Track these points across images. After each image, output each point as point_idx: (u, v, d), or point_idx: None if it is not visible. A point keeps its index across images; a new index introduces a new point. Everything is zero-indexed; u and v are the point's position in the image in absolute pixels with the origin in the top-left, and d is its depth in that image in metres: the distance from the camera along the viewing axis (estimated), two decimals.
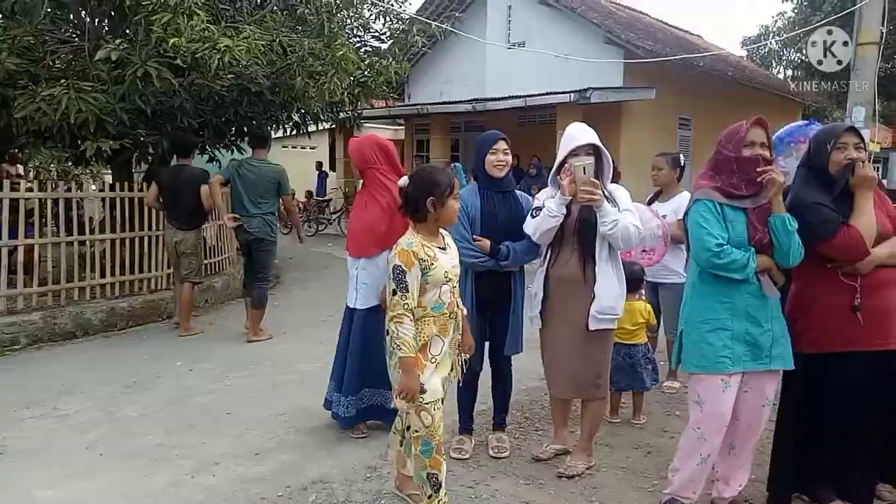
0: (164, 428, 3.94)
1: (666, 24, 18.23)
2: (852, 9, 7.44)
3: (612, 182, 3.31)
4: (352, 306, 3.75)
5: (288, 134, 9.91)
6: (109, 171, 8.99)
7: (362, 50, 10.15)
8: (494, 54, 13.83)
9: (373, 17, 9.89)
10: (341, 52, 6.56)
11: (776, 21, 21.18)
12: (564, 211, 3.12)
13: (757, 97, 15.89)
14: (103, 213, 6.83)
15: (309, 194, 17.64)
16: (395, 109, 14.94)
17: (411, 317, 2.55)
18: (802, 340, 2.74)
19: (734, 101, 15.14)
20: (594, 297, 3.12)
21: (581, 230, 3.15)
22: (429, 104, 14.10)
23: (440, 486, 2.68)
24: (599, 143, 3.18)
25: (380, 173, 3.73)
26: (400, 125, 18.03)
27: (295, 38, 6.69)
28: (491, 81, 13.93)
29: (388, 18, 9.87)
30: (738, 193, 2.67)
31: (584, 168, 3.02)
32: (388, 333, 2.62)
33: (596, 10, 13.79)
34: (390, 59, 9.00)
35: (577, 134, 3.18)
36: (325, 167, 19.02)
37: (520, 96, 11.82)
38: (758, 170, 2.62)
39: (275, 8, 7.30)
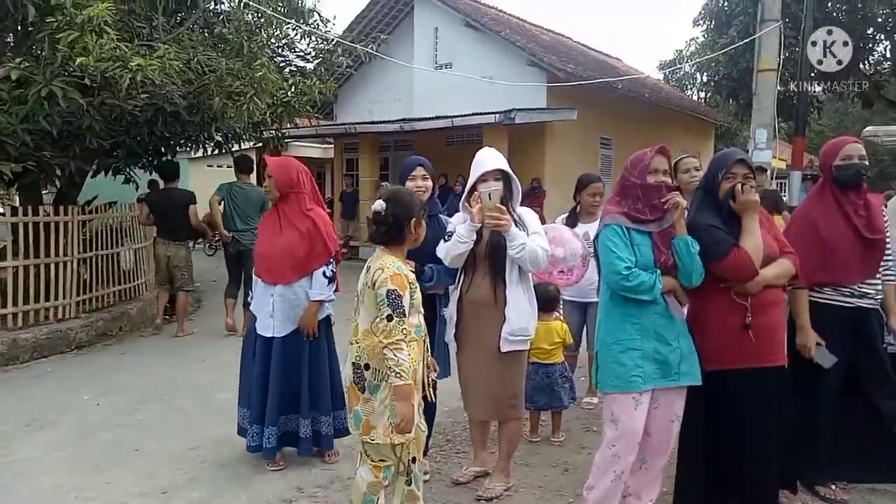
0: (64, 469, 3.71)
1: (588, 47, 18.90)
2: (753, 37, 7.93)
3: (523, 204, 3.38)
4: (268, 335, 3.65)
5: (210, 153, 9.64)
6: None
7: (287, 70, 10.06)
8: (422, 75, 13.95)
9: (298, 36, 9.80)
10: (261, 73, 6.45)
11: (689, 45, 22.26)
12: (474, 237, 3.16)
13: (674, 118, 16.67)
14: (8, 239, 6.47)
15: None
16: (322, 128, 14.82)
17: (406, 342, 2.47)
18: (701, 357, 2.86)
19: (653, 121, 15.85)
20: (505, 319, 3.16)
21: (491, 254, 3.19)
22: (357, 123, 14.08)
23: None
24: (507, 168, 3.24)
25: (302, 198, 3.69)
26: (328, 144, 17.88)
27: (213, 56, 6.54)
28: (419, 101, 14.04)
29: (313, 38, 9.80)
30: (644, 218, 2.78)
31: (489, 194, 3.07)
32: (366, 367, 2.52)
33: (520, 33, 14.17)
34: (314, 80, 8.94)
35: (486, 159, 3.23)
36: None
37: (447, 116, 11.95)
38: (662, 198, 2.73)
39: (193, 26, 7.13)
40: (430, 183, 3.43)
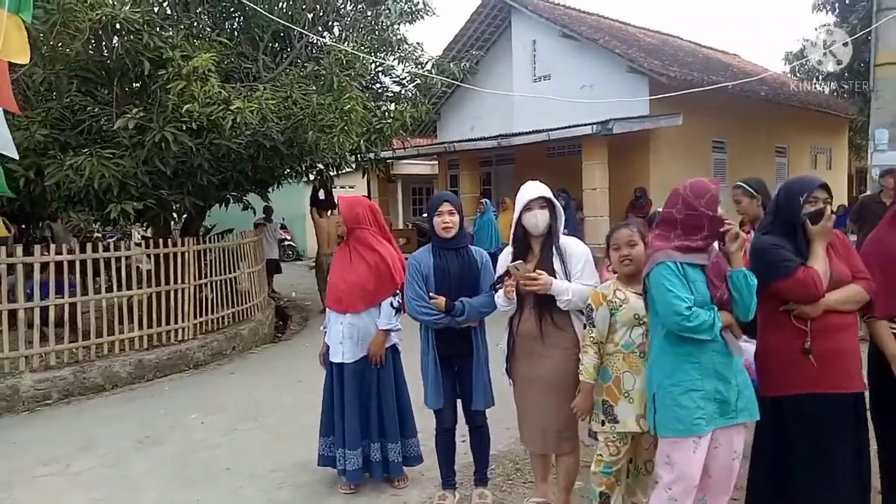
0: (165, 485, 4.10)
1: (700, 45, 18.02)
2: (870, 28, 7.23)
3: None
4: (338, 361, 3.85)
5: (313, 180, 10.22)
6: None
7: (385, 95, 10.47)
8: (521, 88, 13.95)
9: (395, 62, 10.18)
10: (349, 106, 6.78)
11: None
12: (514, 304, 3.20)
13: (798, 115, 15.50)
14: (147, 266, 7.28)
15: None
16: (423, 148, 15.21)
17: (596, 349, 2.92)
18: (761, 385, 2.75)
19: (773, 120, 14.83)
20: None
21: (537, 294, 3.17)
22: (455, 141, 14.31)
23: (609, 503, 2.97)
24: (550, 195, 3.22)
25: (370, 234, 3.88)
26: (434, 161, 18.31)
27: (308, 92, 6.97)
28: (519, 115, 14.03)
29: (407, 64, 10.14)
30: (695, 246, 2.67)
31: (517, 267, 3.07)
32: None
33: (620, 38, 13.77)
34: (407, 105, 9.25)
35: (527, 191, 3.24)
36: None
37: (543, 130, 11.86)
38: (722, 229, 2.66)
39: (290, 65, 7.63)
40: (457, 218, 3.48)
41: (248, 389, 6.16)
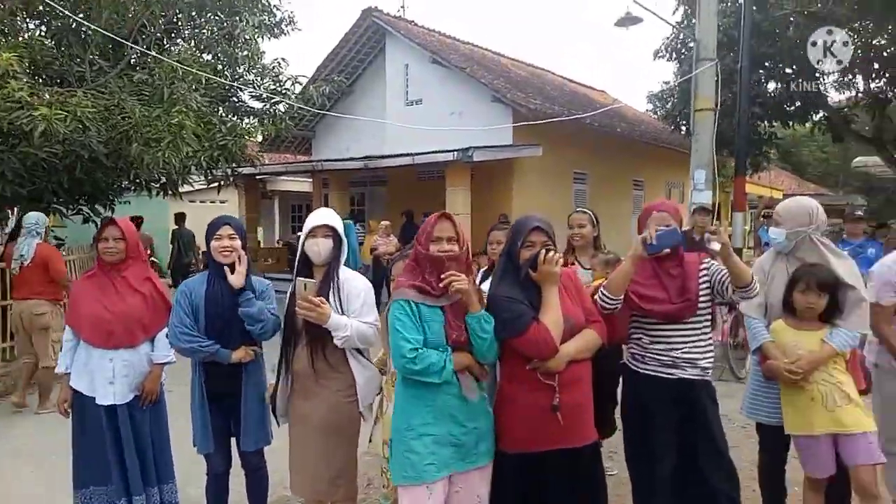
0: None
1: (570, 80, 18.89)
2: (687, 75, 7.82)
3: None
4: (108, 403, 3.48)
5: (157, 195, 9.63)
6: None
7: (242, 110, 10.10)
8: (394, 110, 13.98)
9: (255, 76, 9.86)
10: (177, 120, 6.43)
11: (677, 76, 22.21)
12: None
13: (652, 151, 16.52)
14: None
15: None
16: (290, 166, 14.87)
17: None
18: (506, 439, 2.65)
19: (630, 155, 15.73)
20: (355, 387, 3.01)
21: (309, 325, 3.02)
22: (321, 160, 14.13)
23: None
24: (336, 224, 3.10)
25: (142, 263, 3.60)
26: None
27: (132, 103, 6.55)
28: (391, 137, 14.02)
29: (266, 80, 9.85)
30: (433, 292, 2.60)
31: (304, 284, 2.91)
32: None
33: (489, 68, 14.16)
34: (268, 121, 8.97)
35: (313, 218, 3.10)
36: None
37: (410, 154, 11.90)
38: (443, 273, 2.56)
39: (121, 73, 7.17)
40: (238, 243, 3.28)
41: None
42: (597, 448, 2.75)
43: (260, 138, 8.34)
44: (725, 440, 2.96)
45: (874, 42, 10.72)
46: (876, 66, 11.24)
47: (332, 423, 2.99)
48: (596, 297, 2.87)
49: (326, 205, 15.55)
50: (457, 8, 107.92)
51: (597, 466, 2.75)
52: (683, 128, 12.26)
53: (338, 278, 3.07)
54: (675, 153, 17.80)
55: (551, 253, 2.61)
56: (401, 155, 12.11)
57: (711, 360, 2.98)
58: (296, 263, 3.12)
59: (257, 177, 14.66)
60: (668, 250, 2.88)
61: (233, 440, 3.37)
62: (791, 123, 12.44)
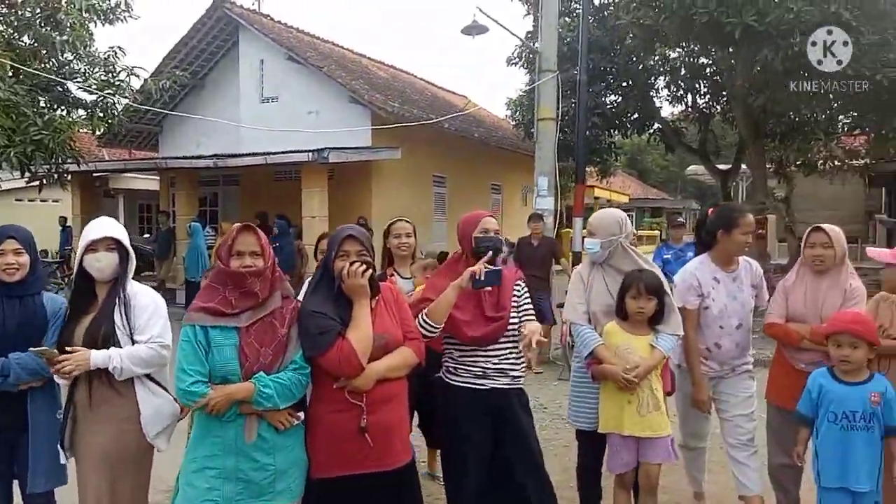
0: None
1: (434, 84, 19.12)
2: (533, 84, 8.14)
3: None
4: None
5: (23, 186, 8.54)
6: None
7: (70, 101, 9.21)
8: (249, 108, 13.38)
9: (84, 65, 9.01)
10: None
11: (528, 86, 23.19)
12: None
13: (511, 158, 17.10)
14: None
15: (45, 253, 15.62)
16: (130, 163, 13.81)
17: None
18: (312, 465, 2.52)
19: (488, 160, 16.17)
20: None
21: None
22: (168, 158, 13.25)
23: None
24: (120, 236, 2.80)
25: None
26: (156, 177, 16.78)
27: None
28: (246, 135, 13.40)
29: (97, 69, 9.04)
30: (228, 312, 2.42)
31: (41, 353, 2.62)
32: None
33: (348, 68, 13.96)
34: (97, 113, 8.21)
35: (92, 230, 2.78)
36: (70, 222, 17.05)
37: (263, 154, 11.43)
38: (245, 287, 2.41)
39: None
40: (25, 258, 2.90)
41: None
42: (412, 469, 2.68)
43: (90, 132, 7.57)
44: (539, 449, 3.01)
45: (700, 61, 11.76)
46: (702, 83, 12.36)
47: (114, 455, 2.70)
48: (418, 321, 2.82)
49: (174, 205, 14.61)
50: (323, 6, 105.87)
51: (413, 488, 2.67)
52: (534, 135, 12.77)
53: (124, 294, 2.78)
54: (531, 159, 18.57)
55: (356, 265, 2.49)
56: (252, 154, 11.61)
57: (523, 368, 3.04)
58: (72, 281, 2.79)
59: (95, 174, 13.42)
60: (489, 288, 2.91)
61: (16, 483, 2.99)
62: (628, 134, 13.34)
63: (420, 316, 2.81)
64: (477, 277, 2.78)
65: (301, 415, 2.50)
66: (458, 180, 15.24)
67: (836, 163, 10.50)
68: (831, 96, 8.30)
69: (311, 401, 2.59)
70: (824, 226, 3.20)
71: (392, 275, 3.81)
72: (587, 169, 18.32)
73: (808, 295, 3.23)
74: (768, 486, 3.46)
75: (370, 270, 2.53)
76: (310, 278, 2.79)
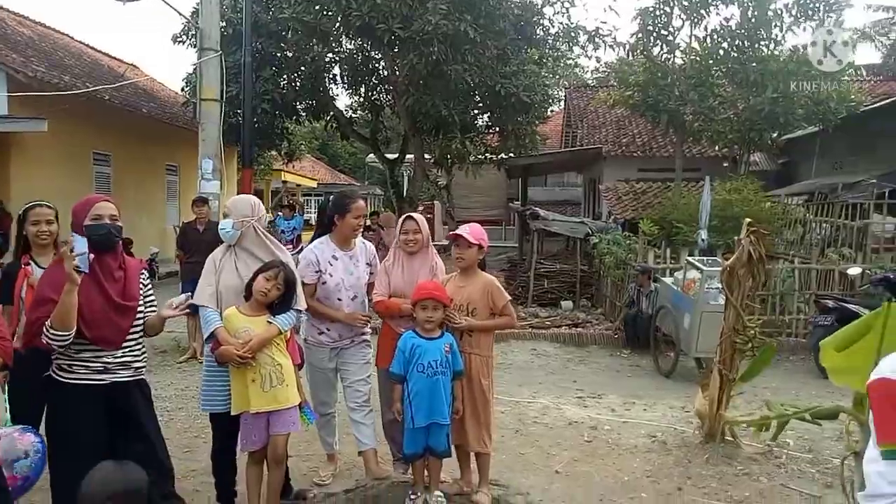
0: None
1: (92, 48, 17.01)
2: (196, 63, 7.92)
3: None
4: None
5: None
6: None
7: None
8: None
9: None
10: None
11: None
12: None
13: (191, 137, 16.03)
14: None
15: None
16: None
17: None
18: None
19: (163, 137, 15.05)
20: None
21: None
22: None
23: None
24: None
25: None
26: None
27: None
28: None
29: None
30: None
31: None
32: None
33: None
34: None
35: None
36: None
37: None
38: None
39: None
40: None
41: None
42: None
43: None
44: (160, 435, 3.07)
45: (371, 54, 12.59)
46: (372, 77, 13.27)
47: None
48: (43, 335, 2.66)
49: None
50: None
51: None
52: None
53: None
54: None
55: None
56: None
57: (145, 359, 3.05)
58: None
59: None
60: (90, 255, 2.80)
61: None
62: (301, 121, 13.67)
63: (45, 329, 2.66)
64: (75, 265, 2.68)
65: None
66: (127, 159, 13.91)
67: (473, 157, 12.26)
68: (461, 99, 9.70)
69: None
70: (414, 215, 3.85)
71: (28, 263, 3.47)
72: (272, 153, 18.39)
73: (405, 272, 3.85)
74: (382, 439, 4.04)
75: None
76: None
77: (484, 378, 3.60)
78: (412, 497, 3.35)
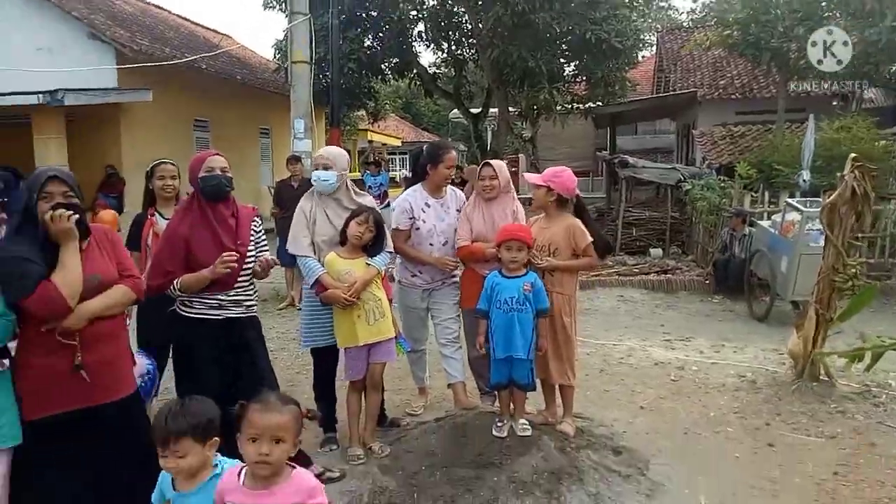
0: None
1: (187, 20, 17.85)
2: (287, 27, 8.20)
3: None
4: None
5: None
6: None
7: None
8: None
9: None
10: None
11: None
12: None
13: (281, 100, 16.70)
14: None
15: None
16: None
17: None
18: (24, 409, 2.51)
19: (255, 102, 15.73)
20: None
21: None
22: None
23: None
24: None
25: None
26: None
27: None
28: None
29: None
30: None
31: None
32: None
33: (87, 1, 12.56)
34: None
35: None
36: None
37: None
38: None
39: None
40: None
41: None
42: (133, 401, 2.79)
43: None
44: (270, 365, 3.37)
45: (454, 9, 12.52)
46: (455, 31, 13.23)
47: None
48: (174, 286, 3.05)
49: None
50: None
51: (141, 418, 2.81)
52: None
53: None
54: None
55: (60, 210, 2.50)
56: None
57: (256, 298, 3.35)
58: None
59: None
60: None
61: None
62: (387, 79, 13.87)
63: (174, 284, 3.03)
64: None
65: (6, 361, 2.52)
66: (223, 124, 14.67)
67: (560, 107, 12.06)
68: (548, 49, 9.54)
69: (19, 347, 2.59)
70: (491, 161, 3.93)
71: (153, 215, 3.90)
72: (358, 113, 18.80)
73: (486, 218, 3.97)
74: (470, 375, 4.24)
75: (75, 214, 2.54)
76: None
77: (566, 315, 3.69)
78: (498, 424, 3.52)
